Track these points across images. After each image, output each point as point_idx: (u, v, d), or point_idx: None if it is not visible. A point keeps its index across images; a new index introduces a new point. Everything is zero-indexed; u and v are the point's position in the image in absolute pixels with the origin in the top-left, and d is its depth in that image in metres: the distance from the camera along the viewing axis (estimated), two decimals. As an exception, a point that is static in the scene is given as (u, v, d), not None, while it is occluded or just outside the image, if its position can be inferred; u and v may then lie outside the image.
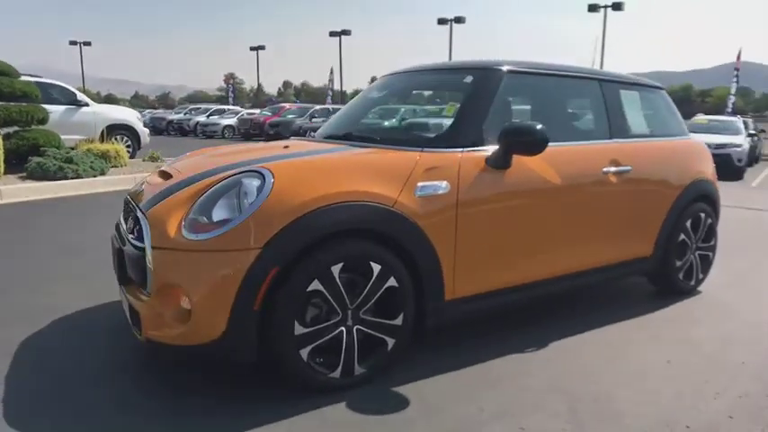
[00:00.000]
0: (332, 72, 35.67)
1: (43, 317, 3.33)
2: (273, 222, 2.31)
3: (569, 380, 2.78)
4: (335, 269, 2.42)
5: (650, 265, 3.90)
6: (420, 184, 2.66)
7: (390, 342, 2.64)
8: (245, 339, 2.34)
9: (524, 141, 2.78)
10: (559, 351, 3.14)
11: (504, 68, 3.19)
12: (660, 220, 3.88)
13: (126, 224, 2.78)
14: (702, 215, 4.21)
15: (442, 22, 37.94)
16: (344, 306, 2.49)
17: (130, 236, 2.60)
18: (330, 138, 3.48)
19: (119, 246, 2.71)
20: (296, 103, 34.71)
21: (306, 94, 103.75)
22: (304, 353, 2.44)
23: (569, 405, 2.52)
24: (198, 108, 31.22)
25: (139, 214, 2.53)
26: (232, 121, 27.32)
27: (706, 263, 4.34)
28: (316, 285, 2.39)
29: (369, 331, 2.57)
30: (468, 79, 3.21)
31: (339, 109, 4.37)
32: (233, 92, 48.28)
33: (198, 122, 27.66)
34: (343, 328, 2.50)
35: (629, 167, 3.55)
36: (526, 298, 3.21)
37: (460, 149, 2.83)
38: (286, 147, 3.12)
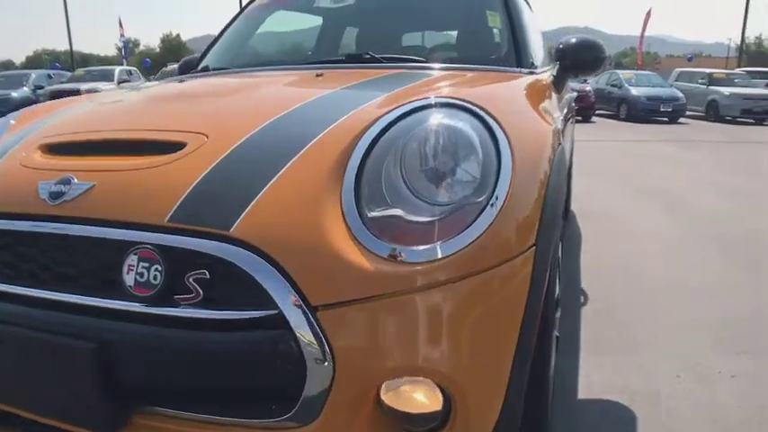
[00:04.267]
0: None
1: None
2: (535, 193, 1.22)
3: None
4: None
5: None
6: (556, 114, 1.89)
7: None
8: (516, 417, 1.24)
9: (590, 59, 2.22)
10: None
11: None
12: None
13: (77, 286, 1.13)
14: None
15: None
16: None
17: (140, 303, 1.05)
18: (307, 63, 2.18)
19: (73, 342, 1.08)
20: None
21: None
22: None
23: None
24: None
25: (175, 240, 1.04)
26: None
27: None
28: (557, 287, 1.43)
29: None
30: None
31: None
32: None
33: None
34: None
35: None
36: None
37: (528, 71, 2.08)
38: (319, 75, 1.80)
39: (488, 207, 1.08)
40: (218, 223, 1.02)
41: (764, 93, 14.99)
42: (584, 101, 13.39)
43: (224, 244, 1.01)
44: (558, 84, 2.30)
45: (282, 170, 1.10)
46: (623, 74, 16.74)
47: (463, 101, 1.25)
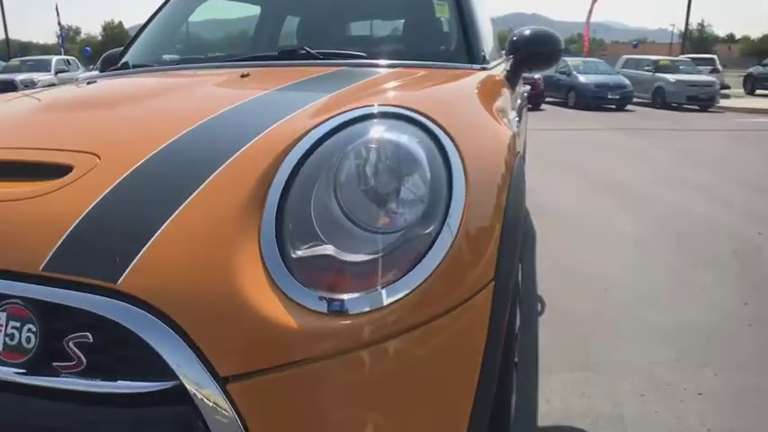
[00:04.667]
0: None
1: None
2: (493, 216, 1.05)
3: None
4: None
5: None
6: (512, 114, 1.74)
7: None
8: None
9: (546, 53, 2.11)
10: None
11: None
12: None
13: None
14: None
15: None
16: None
17: (12, 370, 0.84)
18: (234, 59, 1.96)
19: None
20: None
21: None
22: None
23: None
24: None
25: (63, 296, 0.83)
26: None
27: None
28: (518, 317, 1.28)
29: None
30: None
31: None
32: None
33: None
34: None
35: None
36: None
37: (480, 66, 1.89)
38: (245, 75, 1.59)
39: (440, 238, 0.91)
40: (103, 273, 0.82)
41: (709, 79, 15.35)
42: (535, 89, 13.41)
43: (110, 299, 0.80)
44: (512, 79, 2.15)
45: (187, 201, 0.90)
46: (572, 61, 16.89)
47: (407, 109, 1.08)
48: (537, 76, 14.19)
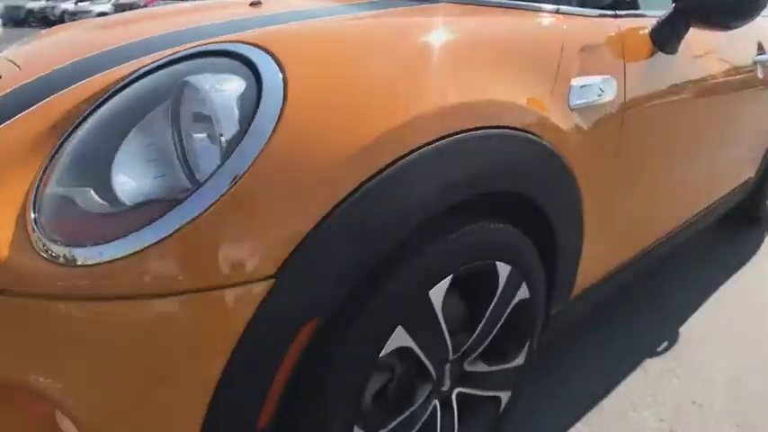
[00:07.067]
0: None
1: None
2: (302, 194, 0.82)
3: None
4: (437, 294, 1.00)
5: (749, 189, 2.74)
6: (576, 81, 1.21)
7: (504, 397, 1.32)
8: None
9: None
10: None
11: None
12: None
13: None
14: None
15: None
16: (443, 361, 1.13)
17: None
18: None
19: None
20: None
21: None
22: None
23: None
24: (64, -8, 24.37)
25: None
26: (106, 6, 21.28)
27: None
28: (400, 340, 0.98)
29: (474, 392, 1.24)
30: None
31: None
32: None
33: (65, 10, 22.30)
34: (436, 401, 1.15)
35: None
36: (648, 264, 1.95)
37: (613, 12, 1.37)
38: (255, 3, 1.53)
39: (191, 201, 0.76)
40: None
41: None
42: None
43: None
44: (670, 39, 1.40)
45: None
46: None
47: (242, 41, 0.93)
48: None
